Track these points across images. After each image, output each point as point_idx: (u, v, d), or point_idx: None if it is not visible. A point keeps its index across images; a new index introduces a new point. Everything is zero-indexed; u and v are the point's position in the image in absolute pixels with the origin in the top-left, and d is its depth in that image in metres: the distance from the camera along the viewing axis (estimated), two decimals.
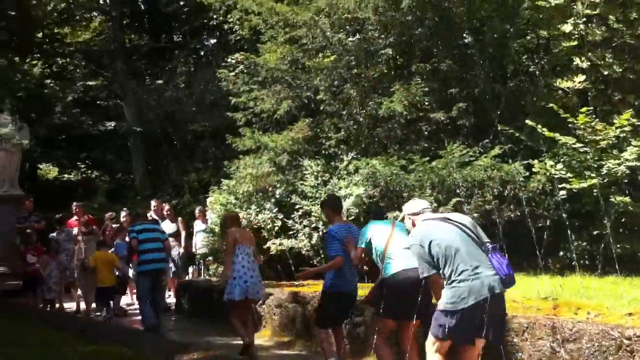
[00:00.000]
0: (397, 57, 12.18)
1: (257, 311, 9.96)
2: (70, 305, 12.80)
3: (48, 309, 12.33)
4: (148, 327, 9.61)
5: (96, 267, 11.16)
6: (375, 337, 6.48)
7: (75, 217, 13.78)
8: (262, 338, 9.58)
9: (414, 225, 5.60)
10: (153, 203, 13.88)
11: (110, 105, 22.46)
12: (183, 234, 13.59)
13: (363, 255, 6.63)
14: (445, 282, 5.12)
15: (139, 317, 10.31)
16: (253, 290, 8.26)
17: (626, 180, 9.53)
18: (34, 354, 6.32)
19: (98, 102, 22.30)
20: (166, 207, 14.09)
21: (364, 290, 7.17)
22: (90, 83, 22.11)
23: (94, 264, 11.22)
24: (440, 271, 5.14)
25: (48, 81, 21.72)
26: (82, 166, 24.94)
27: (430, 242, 5.16)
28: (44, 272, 12.14)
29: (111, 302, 11.42)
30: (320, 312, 7.49)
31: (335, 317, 7.29)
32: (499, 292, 5.03)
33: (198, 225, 13.81)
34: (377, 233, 6.48)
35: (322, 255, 10.85)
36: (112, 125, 21.99)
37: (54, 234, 12.99)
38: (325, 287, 7.36)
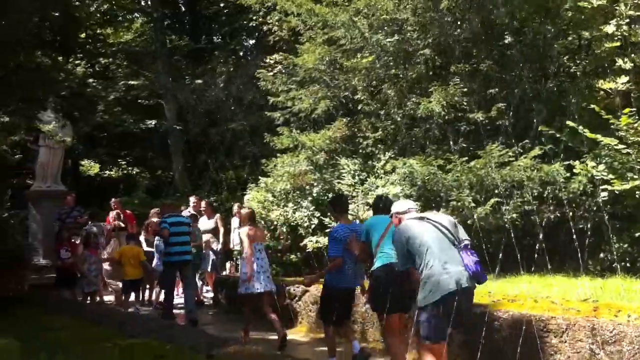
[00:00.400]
0: (436, 57, 12.16)
1: (292, 307, 10.04)
2: (109, 298, 13.04)
3: (88, 302, 12.57)
4: (166, 317, 9.92)
5: (121, 261, 11.40)
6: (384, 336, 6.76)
7: (114, 212, 14.07)
8: (298, 334, 9.64)
9: (399, 223, 5.85)
10: (192, 199, 14.04)
11: (151, 104, 22.77)
12: (221, 230, 13.71)
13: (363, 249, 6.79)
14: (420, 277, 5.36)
15: (182, 311, 10.54)
16: (271, 284, 8.73)
17: None
18: (71, 349, 6.42)
19: (139, 101, 22.61)
20: (203, 203, 14.25)
21: None
22: (132, 82, 22.40)
23: (118, 257, 11.47)
24: (416, 266, 5.42)
25: (91, 80, 22.12)
26: (123, 163, 25.37)
27: (408, 239, 5.44)
28: (82, 266, 12.39)
29: (140, 294, 11.86)
30: (321, 308, 7.73)
31: (335, 313, 7.34)
32: (467, 287, 5.22)
33: (235, 222, 13.94)
34: (374, 228, 6.64)
35: None
36: (153, 123, 22.29)
37: (87, 227, 13.29)
38: (324, 283, 7.57)
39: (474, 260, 5.30)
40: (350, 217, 10.91)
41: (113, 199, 14.53)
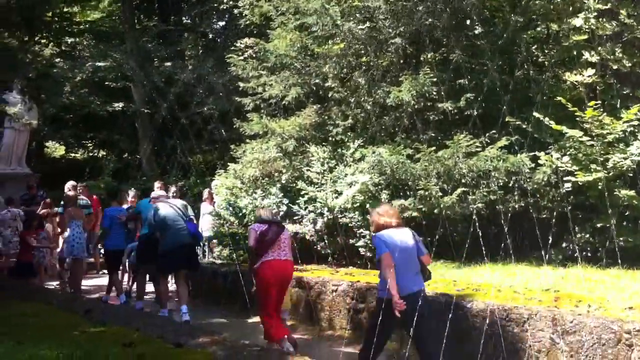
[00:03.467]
0: (407, 46, 12.19)
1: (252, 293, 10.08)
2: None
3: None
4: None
5: None
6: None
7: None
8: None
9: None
10: (156, 184, 13.98)
11: (119, 86, 22.48)
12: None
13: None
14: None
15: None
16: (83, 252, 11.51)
17: (631, 174, 9.57)
18: (38, 337, 6.36)
19: (107, 83, 22.31)
20: (172, 188, 14.15)
21: None
22: (100, 64, 22.08)
23: None
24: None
25: (57, 60, 21.76)
26: (89, 145, 25.07)
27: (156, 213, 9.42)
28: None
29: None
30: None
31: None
32: (188, 242, 9.38)
33: (204, 207, 13.89)
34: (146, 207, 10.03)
35: (326, 241, 10.95)
36: (120, 106, 22.05)
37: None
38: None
39: (194, 227, 9.91)
40: (318, 204, 11.00)
41: (79, 184, 14.34)
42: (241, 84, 13.58)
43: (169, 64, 22.48)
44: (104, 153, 24.83)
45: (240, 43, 15.13)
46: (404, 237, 6.03)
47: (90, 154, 25.16)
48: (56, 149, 25.59)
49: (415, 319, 5.66)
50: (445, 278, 8.55)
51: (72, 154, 25.37)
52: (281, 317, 7.99)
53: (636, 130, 9.67)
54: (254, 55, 14.07)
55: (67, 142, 24.56)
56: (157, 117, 21.90)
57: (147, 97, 21.93)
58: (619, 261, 7.92)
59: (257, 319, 9.44)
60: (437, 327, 6.12)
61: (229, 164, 13.54)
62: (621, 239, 9.00)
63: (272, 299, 7.46)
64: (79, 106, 21.81)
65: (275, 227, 7.65)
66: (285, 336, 7.37)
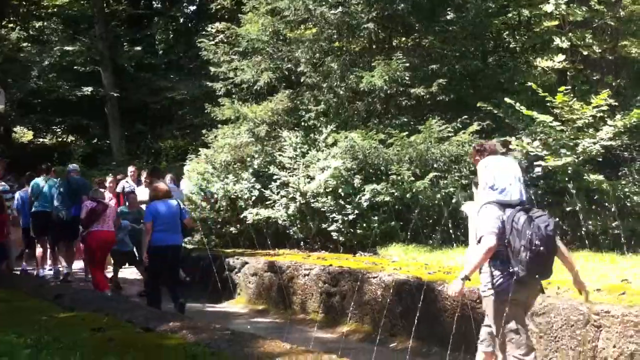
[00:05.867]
0: (379, 31, 12.16)
1: (232, 279, 10.05)
2: None
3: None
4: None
5: None
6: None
7: None
8: (238, 305, 9.68)
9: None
10: (130, 169, 13.81)
11: (87, 71, 22.11)
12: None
13: None
14: None
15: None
16: None
17: (600, 159, 9.70)
18: (6, 322, 6.24)
19: (75, 67, 21.94)
20: (144, 173, 14.02)
21: None
22: (68, 48, 21.69)
23: None
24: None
25: (25, 44, 21.34)
26: (58, 130, 24.65)
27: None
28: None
29: None
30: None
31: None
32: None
33: None
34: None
35: (299, 225, 10.94)
36: (89, 90, 21.71)
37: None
38: None
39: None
40: (291, 189, 10.97)
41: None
42: (212, 69, 13.44)
43: (138, 48, 22.16)
44: (73, 138, 24.45)
45: (212, 27, 14.96)
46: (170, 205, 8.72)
47: (59, 139, 24.74)
48: (24, 134, 25.11)
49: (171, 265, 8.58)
50: (417, 261, 8.59)
51: (41, 139, 24.92)
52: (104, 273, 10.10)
53: (605, 116, 9.78)
54: (226, 40, 13.93)
55: (35, 127, 24.12)
56: (126, 102, 21.64)
57: (117, 81, 21.63)
58: (587, 244, 8.04)
59: (228, 303, 9.45)
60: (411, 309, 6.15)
61: (200, 149, 13.43)
62: (589, 222, 9.13)
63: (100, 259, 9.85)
64: (47, 91, 21.44)
65: (102, 205, 9.62)
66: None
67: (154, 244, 8.49)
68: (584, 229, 8.51)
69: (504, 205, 4.58)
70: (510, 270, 4.43)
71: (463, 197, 8.93)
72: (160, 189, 8.94)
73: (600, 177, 9.37)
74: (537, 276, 4.54)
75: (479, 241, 4.57)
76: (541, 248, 4.33)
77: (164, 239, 8.47)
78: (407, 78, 11.19)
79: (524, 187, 4.75)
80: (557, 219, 4.67)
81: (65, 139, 24.60)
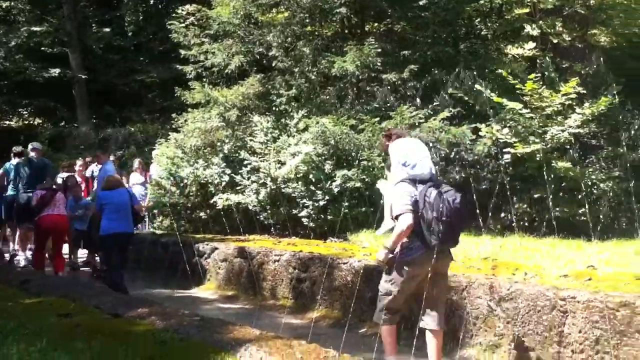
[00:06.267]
0: (352, 16, 12.12)
1: (201, 264, 9.99)
2: None
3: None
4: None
5: None
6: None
7: None
8: (207, 291, 9.62)
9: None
10: (78, 162, 13.75)
11: (55, 52, 21.73)
12: (127, 186, 13.41)
13: None
14: None
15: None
16: None
17: (568, 147, 9.81)
18: None
19: (43, 48, 21.54)
20: (111, 157, 13.85)
21: None
22: (35, 29, 21.30)
23: None
24: None
25: None
26: (24, 113, 24.23)
27: None
28: None
29: None
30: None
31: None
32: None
33: (134, 177, 13.64)
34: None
35: (269, 211, 10.90)
36: (57, 72, 21.34)
37: None
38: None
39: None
40: (261, 174, 10.92)
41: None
42: (183, 52, 13.26)
43: (107, 29, 21.81)
44: (40, 121, 24.07)
45: (182, 9, 14.74)
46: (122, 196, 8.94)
47: (26, 122, 24.34)
48: None
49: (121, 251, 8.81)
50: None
51: (7, 122, 24.47)
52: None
53: (574, 104, 9.89)
54: (196, 22, 13.73)
55: (1, 109, 23.71)
56: (95, 84, 21.32)
57: (85, 63, 21.28)
58: (555, 230, 8.13)
59: (198, 289, 9.38)
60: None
61: (170, 133, 13.28)
62: (557, 209, 9.24)
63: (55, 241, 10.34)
64: (14, 72, 21.09)
65: (50, 192, 10.14)
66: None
67: (105, 232, 8.71)
68: (552, 215, 8.60)
69: (415, 182, 5.07)
70: (418, 243, 4.97)
71: None
72: (111, 179, 9.40)
73: (568, 165, 9.49)
74: (447, 245, 5.06)
75: (395, 217, 5.02)
76: (450, 219, 4.85)
77: (115, 227, 8.69)
78: (379, 63, 11.18)
79: (433, 165, 5.46)
80: (465, 193, 5.24)
81: (32, 122, 24.21)
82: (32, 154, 11.30)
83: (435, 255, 4.90)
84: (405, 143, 5.26)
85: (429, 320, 5.17)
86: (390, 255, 5.08)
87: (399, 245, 5.04)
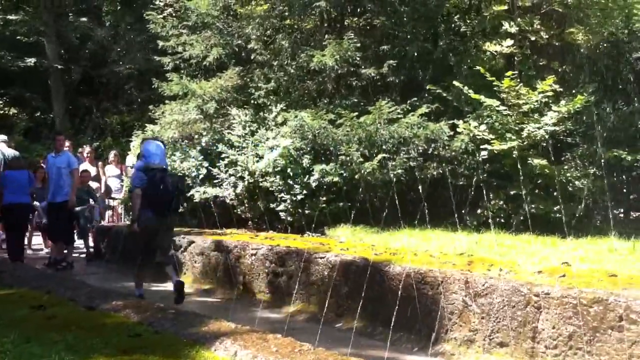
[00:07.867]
0: (331, 10, 12.08)
1: (177, 258, 9.91)
2: None
3: None
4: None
5: None
6: None
7: None
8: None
9: None
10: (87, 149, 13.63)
11: (31, 41, 21.43)
12: (103, 178, 13.30)
13: None
14: None
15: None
16: None
17: (544, 144, 9.90)
18: None
19: (18, 37, 21.23)
20: (87, 149, 13.71)
21: None
22: (11, 17, 20.99)
23: None
24: None
25: None
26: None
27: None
28: None
29: None
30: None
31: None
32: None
33: (110, 169, 13.52)
34: None
35: (247, 205, 10.86)
36: (33, 62, 21.05)
37: None
38: None
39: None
40: (239, 167, 10.87)
41: None
42: (160, 43, 13.14)
43: (84, 19, 21.54)
44: (15, 111, 23.72)
45: (160, 0, 14.63)
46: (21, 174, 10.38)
47: (0, 112, 23.99)
48: None
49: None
50: (364, 242, 8.63)
51: None
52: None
53: (550, 101, 9.97)
54: (174, 14, 13.63)
55: None
56: (71, 75, 21.06)
57: (61, 53, 21.00)
58: (530, 227, 8.20)
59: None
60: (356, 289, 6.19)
61: (147, 125, 13.16)
62: (533, 206, 9.32)
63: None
64: None
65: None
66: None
67: (5, 204, 10.16)
68: (527, 211, 8.68)
69: (149, 169, 7.57)
70: (147, 210, 7.56)
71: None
72: (13, 163, 10.94)
73: (544, 162, 9.57)
74: (161, 215, 7.60)
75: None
76: (164, 196, 7.52)
77: (13, 200, 10.16)
78: (358, 58, 11.17)
79: (164, 159, 7.88)
80: (181, 177, 8.93)
81: (7, 112, 23.85)
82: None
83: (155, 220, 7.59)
84: (147, 144, 7.78)
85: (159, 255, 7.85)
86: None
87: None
